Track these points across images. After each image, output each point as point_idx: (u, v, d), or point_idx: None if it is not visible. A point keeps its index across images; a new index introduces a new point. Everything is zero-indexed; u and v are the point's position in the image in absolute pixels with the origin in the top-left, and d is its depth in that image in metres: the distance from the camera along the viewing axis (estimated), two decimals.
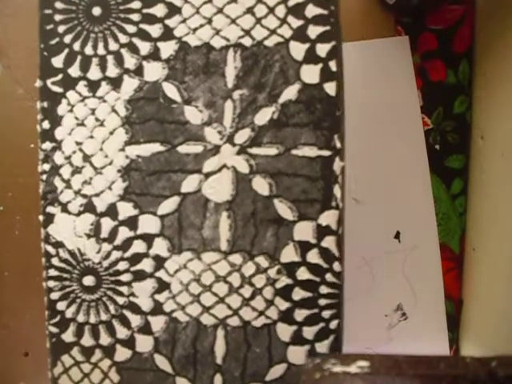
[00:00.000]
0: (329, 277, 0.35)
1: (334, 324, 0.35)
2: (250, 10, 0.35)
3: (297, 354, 0.35)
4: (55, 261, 0.36)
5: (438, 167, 0.53)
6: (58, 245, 0.36)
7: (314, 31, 0.34)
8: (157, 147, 0.35)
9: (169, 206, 0.35)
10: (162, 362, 0.36)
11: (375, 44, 0.50)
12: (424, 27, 0.51)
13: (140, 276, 0.35)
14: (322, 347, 0.35)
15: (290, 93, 0.34)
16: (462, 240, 0.54)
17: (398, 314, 0.53)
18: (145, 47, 0.35)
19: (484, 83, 0.51)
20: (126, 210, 0.35)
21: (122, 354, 0.36)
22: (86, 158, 0.35)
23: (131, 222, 0.35)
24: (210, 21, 0.35)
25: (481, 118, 0.52)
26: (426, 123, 0.52)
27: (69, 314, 0.36)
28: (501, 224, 0.48)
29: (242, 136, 0.34)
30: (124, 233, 0.35)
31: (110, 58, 0.35)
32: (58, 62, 0.35)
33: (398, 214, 0.53)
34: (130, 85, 0.35)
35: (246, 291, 0.35)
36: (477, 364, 0.28)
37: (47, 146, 0.35)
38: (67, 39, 0.35)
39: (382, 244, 0.53)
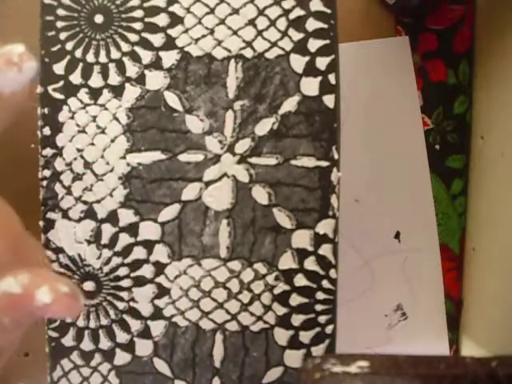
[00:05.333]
0: (325, 283, 0.40)
1: (329, 329, 0.40)
2: (251, 22, 0.39)
3: (293, 358, 0.40)
4: (55, 266, 0.40)
5: (438, 167, 0.57)
6: (58, 250, 0.40)
7: (314, 44, 0.39)
8: (158, 155, 0.39)
9: (169, 213, 0.39)
10: (161, 366, 0.40)
11: (375, 44, 0.54)
12: (424, 27, 0.55)
13: (140, 281, 0.40)
14: (318, 351, 0.40)
15: (290, 104, 0.39)
16: (462, 240, 0.58)
17: (397, 313, 0.57)
18: (147, 56, 0.39)
19: (484, 83, 0.55)
20: (126, 216, 0.40)
21: (122, 357, 0.40)
22: (87, 164, 0.39)
23: (132, 229, 0.40)
24: (212, 31, 0.39)
25: (481, 118, 0.56)
26: (426, 123, 0.57)
27: (68, 318, 0.40)
28: (501, 224, 0.52)
29: (243, 146, 0.39)
30: (124, 239, 0.40)
31: (111, 66, 0.39)
32: (59, 68, 0.39)
33: (398, 214, 0.57)
34: (131, 93, 0.39)
35: (245, 297, 0.40)
36: (477, 364, 0.30)
37: (48, 152, 0.39)
38: (69, 46, 0.39)
39: (382, 244, 0.57)
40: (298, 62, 0.39)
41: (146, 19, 0.39)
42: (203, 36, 0.39)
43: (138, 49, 0.39)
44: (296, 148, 0.39)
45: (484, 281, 0.55)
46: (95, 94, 0.39)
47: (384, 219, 0.57)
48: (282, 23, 0.39)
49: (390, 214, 0.57)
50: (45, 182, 0.40)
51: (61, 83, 0.39)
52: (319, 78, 0.39)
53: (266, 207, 0.39)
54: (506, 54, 0.51)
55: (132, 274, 0.40)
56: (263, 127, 0.39)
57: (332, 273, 0.40)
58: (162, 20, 0.39)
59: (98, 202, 0.39)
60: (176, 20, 0.39)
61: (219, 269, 0.40)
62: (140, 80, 0.39)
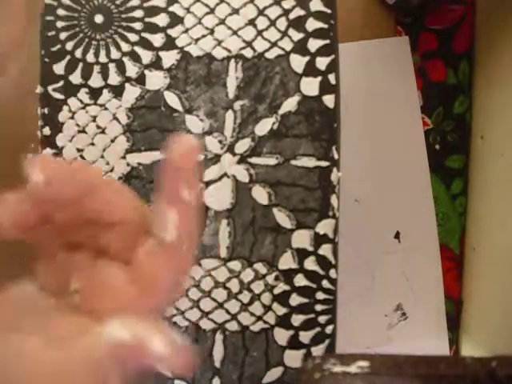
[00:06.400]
0: (325, 283, 0.40)
1: (329, 329, 0.40)
2: (251, 22, 0.39)
3: (293, 358, 0.40)
4: None
5: (438, 167, 0.57)
6: None
7: (314, 44, 0.39)
8: (158, 155, 0.39)
9: None
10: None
11: (375, 44, 0.54)
12: (424, 27, 0.55)
13: None
14: (318, 351, 0.40)
15: (290, 104, 0.39)
16: (462, 240, 0.58)
17: (397, 313, 0.57)
18: (147, 56, 0.39)
19: (484, 83, 0.55)
20: None
21: None
22: None
23: None
24: (212, 31, 0.39)
25: (481, 118, 0.56)
26: (426, 123, 0.56)
27: None
28: (501, 224, 0.52)
29: (243, 146, 0.39)
30: None
31: (111, 66, 0.39)
32: (59, 68, 0.39)
33: (398, 214, 0.57)
34: (131, 93, 0.39)
35: (245, 297, 0.40)
36: (477, 364, 0.30)
37: (48, 152, 0.39)
38: (69, 46, 0.39)
39: (382, 244, 0.56)
40: (297, 62, 0.39)
41: (146, 19, 0.39)
42: (203, 36, 0.39)
43: (137, 49, 0.39)
44: (296, 148, 0.39)
45: (484, 281, 0.55)
46: (95, 93, 0.39)
47: (384, 219, 0.57)
48: (281, 23, 0.39)
49: (390, 213, 0.57)
50: None
51: (61, 83, 0.39)
52: (319, 78, 0.39)
53: (265, 207, 0.39)
54: (505, 53, 0.51)
55: None
56: (263, 127, 0.39)
57: (332, 273, 0.40)
58: (161, 20, 0.39)
59: None
60: (176, 20, 0.39)
61: (219, 269, 0.40)
62: (140, 80, 0.39)
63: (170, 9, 0.39)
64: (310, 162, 0.39)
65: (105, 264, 0.26)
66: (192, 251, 0.27)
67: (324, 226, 0.39)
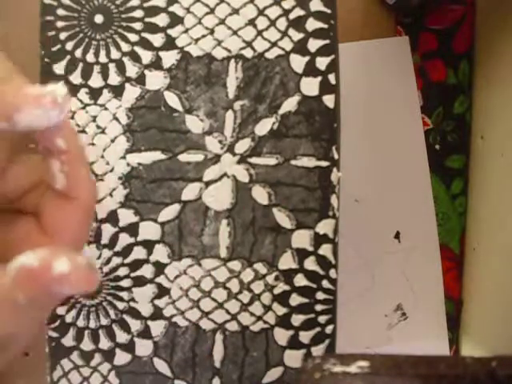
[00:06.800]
0: (325, 283, 0.40)
1: (329, 329, 0.40)
2: (251, 22, 0.39)
3: (293, 358, 0.40)
4: None
5: (438, 167, 0.57)
6: None
7: (314, 45, 0.39)
8: (158, 155, 0.39)
9: (169, 213, 0.39)
10: (161, 366, 0.40)
11: (375, 44, 0.55)
12: (424, 27, 0.55)
13: (140, 282, 0.40)
14: (318, 351, 0.40)
15: (290, 104, 0.39)
16: (462, 240, 0.58)
17: (397, 313, 0.57)
18: (147, 56, 0.39)
19: (484, 83, 0.55)
20: (126, 216, 0.40)
21: (122, 357, 0.41)
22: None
23: (132, 229, 0.40)
24: (212, 31, 0.39)
25: (481, 118, 0.56)
26: (426, 123, 0.57)
27: (68, 318, 0.40)
28: (501, 224, 0.52)
29: (243, 146, 0.39)
30: (124, 239, 0.40)
31: (111, 66, 0.39)
32: (59, 68, 0.39)
33: (398, 214, 0.57)
34: (131, 93, 0.39)
35: (245, 297, 0.40)
36: (477, 364, 0.30)
37: None
38: (69, 46, 0.39)
39: (382, 244, 0.57)
40: (297, 62, 0.39)
41: (146, 19, 0.39)
42: (203, 36, 0.39)
43: (138, 49, 0.39)
44: (296, 148, 0.39)
45: (484, 281, 0.55)
46: (95, 93, 0.39)
47: (384, 219, 0.57)
48: (281, 23, 0.39)
49: (390, 213, 0.57)
50: None
51: (61, 83, 0.39)
52: (319, 78, 0.39)
53: (266, 207, 0.39)
54: (505, 53, 0.51)
55: (132, 274, 0.40)
56: (263, 127, 0.39)
57: (332, 273, 0.40)
58: (161, 20, 0.39)
59: (98, 201, 0.39)
60: (176, 20, 0.39)
61: (219, 269, 0.40)
62: (140, 80, 0.39)
63: (170, 9, 0.39)
64: (309, 162, 0.39)
65: (16, 218, 0.29)
66: (89, 195, 0.30)
67: (324, 226, 0.39)
